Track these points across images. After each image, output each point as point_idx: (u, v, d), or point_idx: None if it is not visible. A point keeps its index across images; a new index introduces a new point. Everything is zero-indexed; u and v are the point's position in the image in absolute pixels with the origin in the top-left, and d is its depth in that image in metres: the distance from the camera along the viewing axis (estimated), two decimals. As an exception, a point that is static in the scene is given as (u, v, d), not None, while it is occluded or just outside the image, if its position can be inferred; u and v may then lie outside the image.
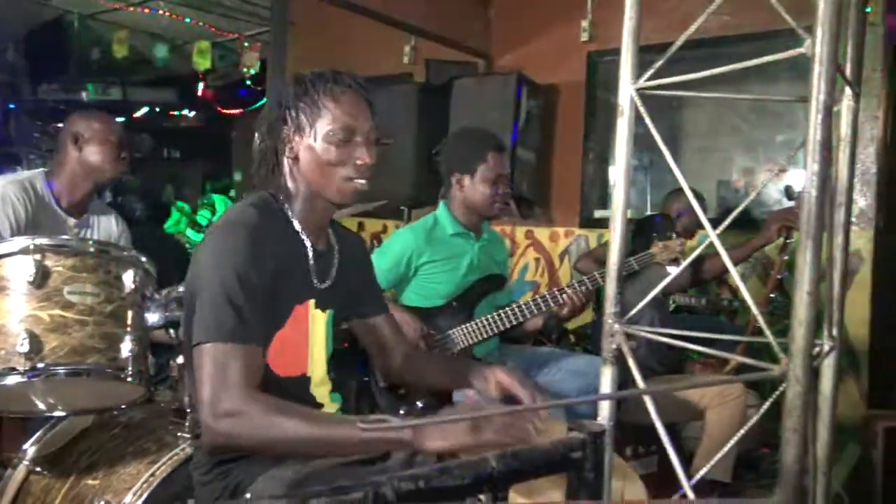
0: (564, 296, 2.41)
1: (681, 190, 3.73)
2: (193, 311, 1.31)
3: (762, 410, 1.11)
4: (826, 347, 1.09)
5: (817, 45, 0.82)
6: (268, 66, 5.40)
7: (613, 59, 4.26)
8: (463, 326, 2.49)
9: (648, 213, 4.20)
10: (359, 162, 1.46)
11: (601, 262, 3.56)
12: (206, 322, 1.28)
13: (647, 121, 1.09)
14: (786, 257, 2.73)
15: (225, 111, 7.83)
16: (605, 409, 1.12)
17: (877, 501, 3.21)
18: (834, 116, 1.11)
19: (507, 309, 2.50)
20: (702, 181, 4.32)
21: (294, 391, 1.42)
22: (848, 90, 1.07)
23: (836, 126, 1.10)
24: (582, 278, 2.48)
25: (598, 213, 4.51)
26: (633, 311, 1.13)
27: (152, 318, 1.69)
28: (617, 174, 1.14)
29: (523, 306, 2.47)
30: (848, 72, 1.08)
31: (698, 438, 2.85)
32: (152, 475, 1.57)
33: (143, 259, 1.70)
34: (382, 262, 2.48)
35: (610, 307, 1.12)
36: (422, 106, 4.50)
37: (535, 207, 4.46)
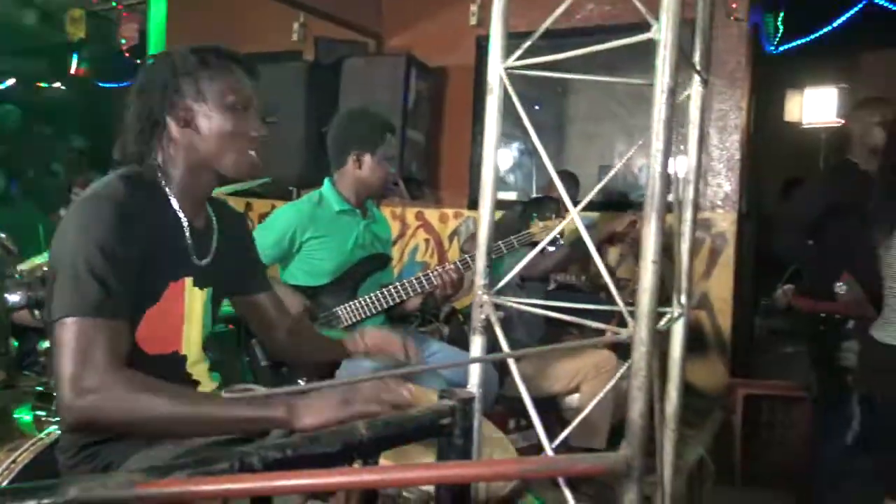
0: (437, 277, 2.47)
1: (564, 172, 3.87)
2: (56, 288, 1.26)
3: (618, 375, 1.19)
4: (676, 314, 1.18)
5: (662, 31, 0.88)
6: (147, 38, 5.15)
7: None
8: (347, 304, 2.50)
9: (534, 195, 4.33)
10: (254, 133, 1.47)
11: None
12: (68, 296, 1.23)
13: (515, 100, 1.14)
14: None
15: (101, 85, 7.42)
16: (474, 376, 1.17)
17: (737, 462, 3.49)
18: (686, 102, 1.20)
19: (389, 288, 2.53)
20: (585, 166, 4.49)
21: (166, 369, 1.38)
22: (697, 77, 1.16)
23: (686, 110, 1.19)
24: (464, 257, 2.55)
25: (486, 195, 4.60)
26: (501, 283, 1.18)
27: (13, 297, 1.60)
28: (486, 149, 1.18)
29: (406, 285, 2.51)
30: (697, 60, 1.16)
31: (576, 410, 2.98)
32: (13, 462, 1.50)
33: (2, 235, 1.61)
34: (266, 238, 2.46)
35: (479, 280, 1.16)
36: (310, 85, 4.43)
37: (424, 188, 4.50)
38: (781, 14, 4.63)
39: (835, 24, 4.80)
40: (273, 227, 2.51)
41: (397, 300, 2.53)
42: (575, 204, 3.44)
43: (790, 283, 4.05)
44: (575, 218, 1.10)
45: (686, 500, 3.02)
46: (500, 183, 5.29)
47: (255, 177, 1.57)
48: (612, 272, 3.96)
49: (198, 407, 1.24)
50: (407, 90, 4.23)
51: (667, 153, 0.88)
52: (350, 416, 1.20)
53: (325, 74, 4.46)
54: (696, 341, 4.05)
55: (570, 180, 3.75)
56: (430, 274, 2.53)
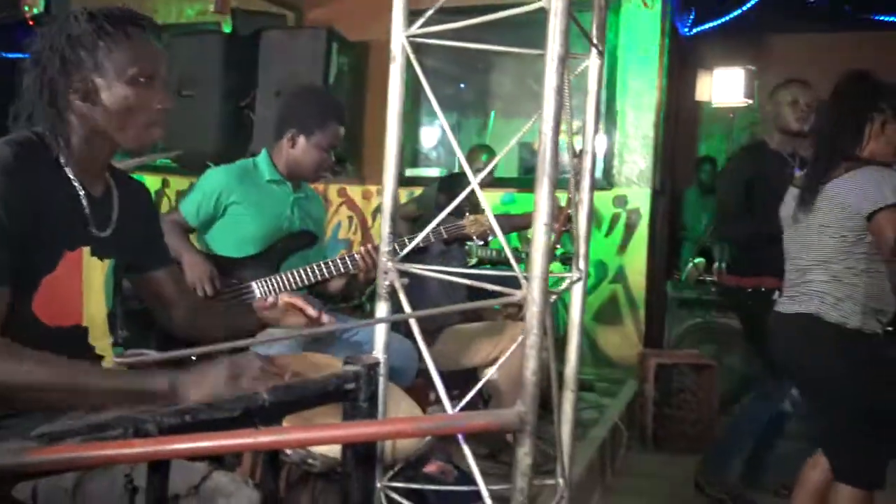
0: (361, 258, 2.45)
1: (481, 147, 3.92)
2: None
3: (518, 340, 1.22)
4: (575, 277, 1.22)
5: (553, 0, 0.91)
6: (52, 8, 4.92)
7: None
8: (265, 279, 2.47)
9: (456, 171, 4.36)
10: (160, 106, 1.40)
11: (408, 219, 3.66)
12: None
13: (418, 69, 1.15)
14: (569, 211, 2.98)
15: (4, 55, 7.03)
16: (380, 341, 1.19)
17: (648, 429, 3.63)
18: (584, 73, 1.24)
19: (312, 265, 2.51)
20: (506, 143, 4.55)
21: (67, 342, 1.35)
22: (594, 50, 1.20)
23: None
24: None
25: (409, 172, 4.62)
26: (408, 249, 1.20)
27: None
28: (389, 118, 1.19)
29: (330, 264, 2.49)
30: (594, 34, 1.20)
31: (493, 381, 3.05)
32: None
33: None
34: (193, 199, 2.42)
35: (384, 246, 1.18)
36: (228, 57, 4.32)
37: (347, 164, 4.47)
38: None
39: (745, 8, 4.99)
40: (201, 187, 2.48)
41: (318, 278, 2.51)
42: (491, 181, 3.47)
43: (700, 258, 4.24)
44: (476, 190, 1.12)
45: (599, 466, 3.14)
46: (424, 159, 5.29)
47: (159, 151, 1.52)
48: (531, 247, 4.05)
49: (70, 376, 1.21)
50: (328, 64, 4.17)
51: (558, 120, 0.92)
52: (237, 392, 1.19)
53: (242, 47, 4.36)
54: (613, 314, 4.19)
55: (489, 154, 3.80)
56: (355, 254, 2.51)
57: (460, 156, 1.21)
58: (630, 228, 4.08)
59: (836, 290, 2.13)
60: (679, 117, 4.89)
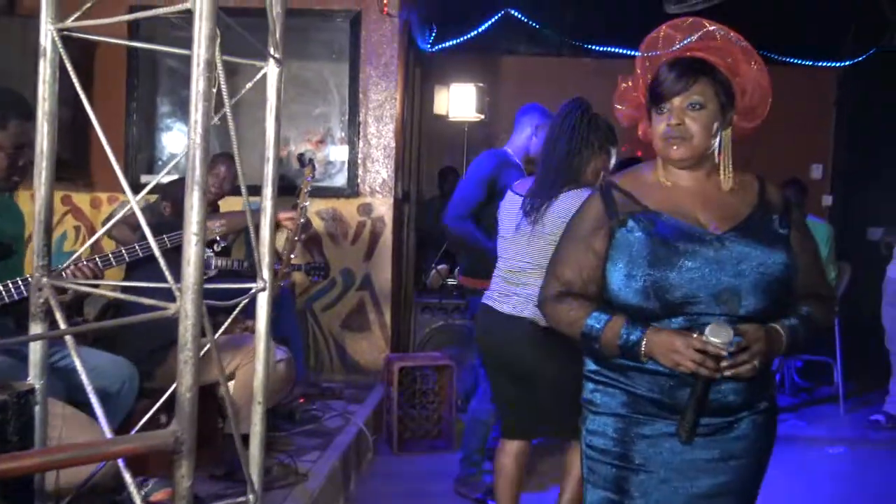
0: (70, 273, 2.22)
1: (222, 155, 3.77)
2: None
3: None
4: (259, 286, 1.20)
5: (198, 3, 0.88)
6: None
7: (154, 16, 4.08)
8: (-52, 300, 2.15)
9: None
10: None
11: (135, 228, 3.42)
12: None
13: (68, 64, 1.06)
14: (302, 220, 2.99)
15: None
16: (35, 365, 1.08)
17: (394, 431, 3.72)
18: (262, 81, 1.22)
19: (7, 283, 2.23)
20: (249, 149, 4.42)
21: None
22: (272, 59, 1.19)
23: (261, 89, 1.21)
24: (105, 254, 2.32)
25: (144, 178, 4.32)
26: (66, 266, 1.10)
27: None
28: (40, 118, 1.09)
29: (29, 281, 2.23)
30: (270, 44, 1.19)
31: (230, 396, 2.93)
32: None
33: None
34: None
35: (37, 260, 1.07)
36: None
37: (71, 170, 4.06)
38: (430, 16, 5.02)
39: (480, 30, 5.34)
40: None
41: (15, 298, 2.23)
42: (232, 188, 3.29)
43: (442, 264, 4.44)
44: (132, 201, 1.06)
45: (342, 475, 3.15)
46: (163, 165, 4.96)
47: None
48: (279, 256, 3.97)
49: None
50: (44, 59, 3.76)
51: (206, 125, 0.89)
52: None
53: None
54: (360, 321, 4.25)
55: (230, 163, 3.67)
56: (66, 270, 2.26)
57: (116, 166, 1.13)
58: (375, 236, 4.17)
59: None
60: (422, 129, 5.10)
